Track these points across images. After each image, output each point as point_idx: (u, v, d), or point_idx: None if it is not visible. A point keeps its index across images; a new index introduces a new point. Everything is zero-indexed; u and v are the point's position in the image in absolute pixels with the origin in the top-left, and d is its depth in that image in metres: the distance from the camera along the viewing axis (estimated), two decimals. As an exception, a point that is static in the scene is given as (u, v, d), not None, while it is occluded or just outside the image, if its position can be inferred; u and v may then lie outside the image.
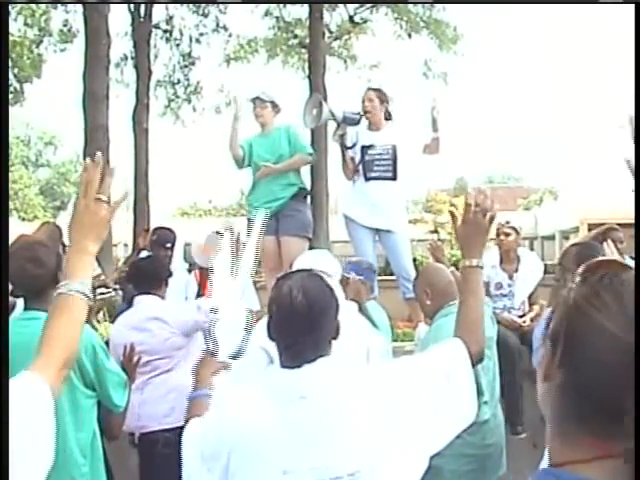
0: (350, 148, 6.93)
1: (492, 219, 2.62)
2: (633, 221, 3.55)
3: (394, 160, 6.83)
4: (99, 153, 2.25)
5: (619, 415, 1.10)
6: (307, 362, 2.31)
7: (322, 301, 2.37)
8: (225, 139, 7.14)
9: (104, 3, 15.33)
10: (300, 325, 2.33)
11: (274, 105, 7.14)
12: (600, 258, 1.32)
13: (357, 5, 22.84)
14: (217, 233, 5.54)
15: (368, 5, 22.62)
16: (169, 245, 6.92)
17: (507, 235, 6.75)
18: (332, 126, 7.07)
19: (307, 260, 3.82)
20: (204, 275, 6.22)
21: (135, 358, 4.12)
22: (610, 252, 4.45)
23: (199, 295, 6.10)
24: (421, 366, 2.40)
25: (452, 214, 2.73)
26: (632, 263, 5.18)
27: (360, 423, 2.19)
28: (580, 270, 1.27)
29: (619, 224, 6.68)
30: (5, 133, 3.10)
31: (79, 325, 2.12)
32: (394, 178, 6.86)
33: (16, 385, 1.89)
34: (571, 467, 1.18)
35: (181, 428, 4.53)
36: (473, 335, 2.50)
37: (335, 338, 2.38)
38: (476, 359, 2.49)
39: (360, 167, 6.92)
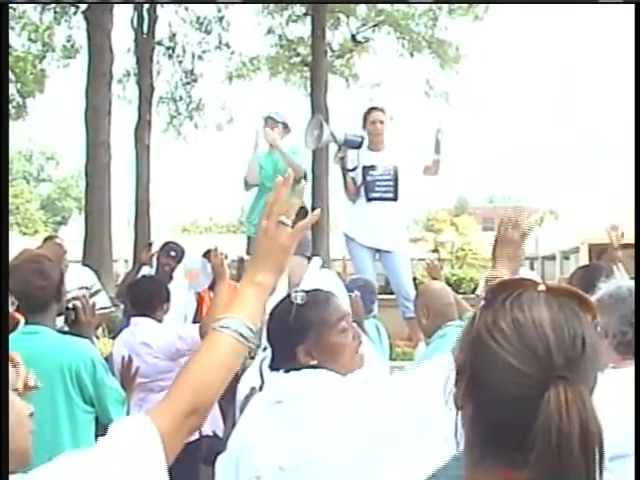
0: (351, 171, 6.92)
1: (524, 235, 2.53)
2: (633, 241, 3.54)
3: (395, 181, 6.83)
4: (290, 170, 2.01)
5: (524, 446, 1.09)
6: (294, 369, 2.37)
7: (272, 323, 2.52)
8: (227, 155, 7.18)
9: (105, 3, 15.37)
10: (268, 335, 2.58)
11: (285, 126, 7.15)
12: (504, 278, 1.31)
13: (359, 24, 22.99)
14: (203, 257, 5.54)
15: (370, 24, 22.78)
16: (174, 254, 6.91)
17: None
18: (333, 146, 7.08)
19: (315, 280, 3.82)
20: (201, 297, 6.20)
21: (133, 369, 4.10)
22: (620, 275, 4.44)
23: (195, 317, 6.07)
24: (403, 390, 2.30)
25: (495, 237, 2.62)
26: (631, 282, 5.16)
27: (326, 435, 2.17)
28: (483, 293, 1.27)
29: (621, 245, 6.67)
30: (5, 137, 3.09)
31: (222, 368, 1.75)
32: (395, 199, 6.86)
33: (121, 431, 1.56)
34: None
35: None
36: None
37: (306, 362, 2.38)
38: None
39: (362, 188, 6.91)
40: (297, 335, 2.40)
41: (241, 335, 1.75)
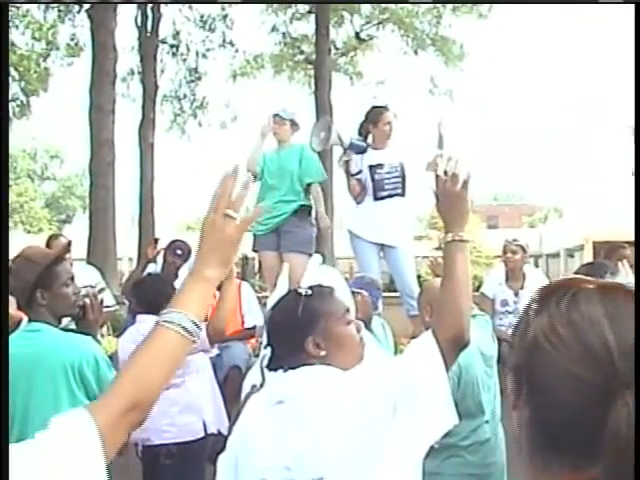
0: (355, 175, 6.88)
1: (465, 184, 2.49)
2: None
3: (403, 177, 6.80)
4: (237, 164, 2.00)
5: (588, 449, 1.06)
6: (291, 368, 2.38)
7: (278, 316, 2.54)
8: (231, 153, 7.16)
9: (105, 3, 15.38)
10: (267, 334, 2.63)
11: (293, 123, 7.10)
12: (560, 278, 1.27)
13: (363, 22, 23.00)
14: None
15: (374, 22, 22.77)
16: (180, 252, 6.91)
17: (514, 253, 6.73)
18: (337, 148, 7.06)
19: (317, 276, 3.82)
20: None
21: None
22: (625, 272, 4.43)
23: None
24: (389, 378, 2.32)
25: (433, 192, 2.57)
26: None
27: (327, 431, 2.19)
28: (535, 295, 1.22)
29: (625, 242, 6.65)
30: (5, 136, 3.08)
31: (166, 363, 1.73)
32: (403, 194, 6.84)
33: (58, 425, 1.52)
34: None
35: (182, 443, 4.59)
36: (448, 317, 2.36)
37: (315, 353, 2.39)
38: (454, 345, 2.34)
39: (370, 187, 6.86)
40: (306, 326, 2.40)
41: (186, 330, 1.72)
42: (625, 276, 4.34)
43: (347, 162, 6.87)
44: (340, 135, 6.77)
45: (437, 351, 2.30)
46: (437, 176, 2.53)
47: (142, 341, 1.76)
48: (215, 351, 5.47)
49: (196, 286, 1.81)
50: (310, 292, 2.49)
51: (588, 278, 1.22)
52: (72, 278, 3.65)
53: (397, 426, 2.19)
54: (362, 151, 6.86)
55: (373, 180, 6.81)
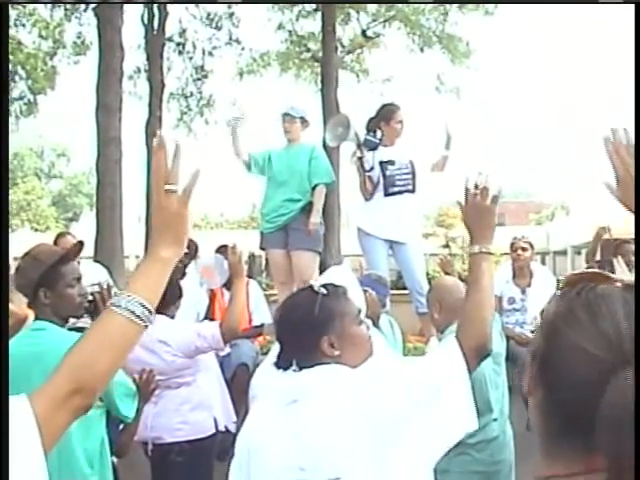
0: (368, 171, 6.87)
1: (495, 199, 2.51)
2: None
3: (413, 173, 6.81)
4: (159, 132, 1.91)
5: (598, 431, 1.08)
6: (305, 367, 2.38)
7: (294, 314, 2.51)
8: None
9: (104, 3, 15.37)
10: (277, 331, 2.61)
11: (303, 120, 7.08)
12: (580, 271, 1.30)
13: (370, 19, 22.95)
14: (217, 253, 5.51)
15: (381, 19, 22.75)
16: (186, 250, 6.89)
17: (524, 250, 6.73)
18: (346, 144, 7.05)
19: (328, 275, 3.82)
20: (214, 295, 6.17)
21: (152, 386, 4.09)
22: (620, 269, 4.41)
23: (208, 314, 6.05)
24: (412, 378, 2.33)
25: (460, 204, 2.59)
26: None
27: (344, 431, 2.18)
28: (560, 285, 1.26)
29: (632, 239, 6.63)
30: (5, 132, 3.06)
31: (109, 348, 1.68)
32: (414, 191, 6.84)
33: None
34: None
35: (194, 440, 4.58)
36: (472, 327, 2.39)
37: (330, 352, 2.39)
38: (477, 354, 2.38)
39: (381, 183, 6.84)
40: (322, 325, 2.41)
41: (134, 314, 1.70)
42: (621, 272, 4.33)
43: (360, 159, 6.86)
44: (357, 132, 6.78)
45: (461, 357, 2.33)
46: (467, 189, 2.54)
47: (91, 325, 1.77)
48: (227, 350, 5.48)
49: (150, 267, 1.80)
50: (326, 291, 2.49)
51: (611, 275, 1.26)
52: (79, 279, 3.62)
53: (417, 427, 2.21)
54: (375, 148, 6.86)
55: (384, 176, 6.80)
